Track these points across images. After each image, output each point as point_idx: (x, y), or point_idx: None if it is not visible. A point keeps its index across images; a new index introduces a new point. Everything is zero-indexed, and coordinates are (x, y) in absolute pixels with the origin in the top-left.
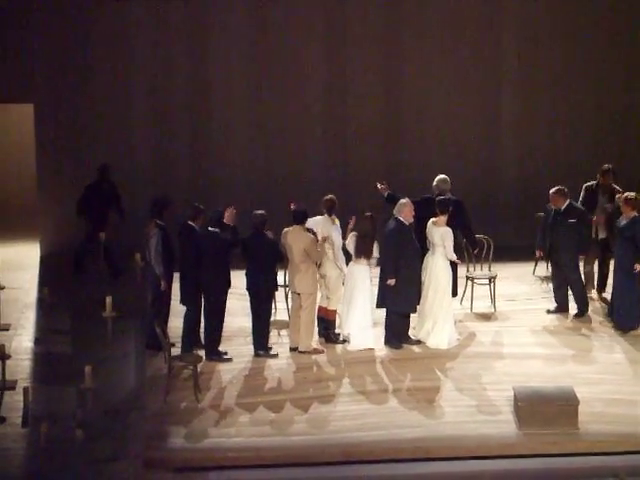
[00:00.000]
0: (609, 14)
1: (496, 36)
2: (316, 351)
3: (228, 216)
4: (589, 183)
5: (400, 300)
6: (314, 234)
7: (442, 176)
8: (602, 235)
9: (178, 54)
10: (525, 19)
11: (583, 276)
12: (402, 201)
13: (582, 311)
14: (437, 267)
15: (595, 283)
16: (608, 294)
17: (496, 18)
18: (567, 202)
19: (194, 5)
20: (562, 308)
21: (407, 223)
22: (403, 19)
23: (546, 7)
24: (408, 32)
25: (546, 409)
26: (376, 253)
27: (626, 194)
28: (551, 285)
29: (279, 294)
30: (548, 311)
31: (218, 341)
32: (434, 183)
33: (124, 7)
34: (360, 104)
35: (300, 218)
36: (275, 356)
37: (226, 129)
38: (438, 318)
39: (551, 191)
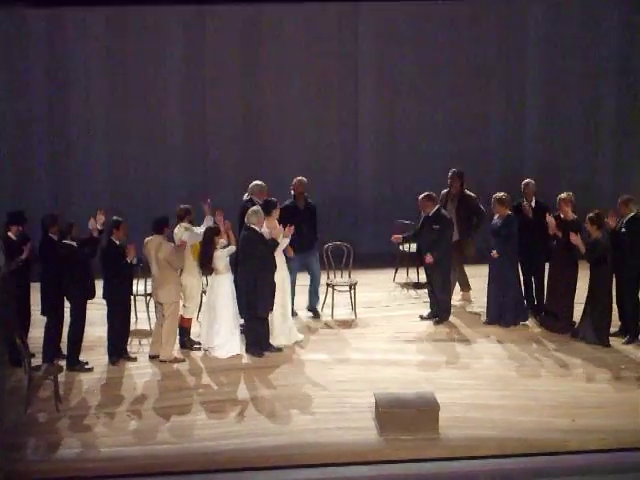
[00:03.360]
0: (466, 20)
1: (354, 41)
2: (177, 360)
3: (92, 224)
4: (444, 191)
5: (254, 304)
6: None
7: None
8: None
9: (36, 58)
10: (383, 27)
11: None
12: (253, 209)
13: (442, 318)
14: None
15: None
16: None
17: (354, 26)
18: (435, 208)
19: (53, 15)
20: (435, 314)
21: (259, 230)
22: (262, 27)
23: (404, 14)
24: (267, 40)
25: (407, 415)
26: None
27: (496, 194)
28: (411, 292)
29: (140, 303)
30: (421, 317)
31: (79, 351)
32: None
33: None
34: (219, 112)
35: (159, 227)
36: (127, 361)
37: (86, 138)
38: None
39: (420, 197)
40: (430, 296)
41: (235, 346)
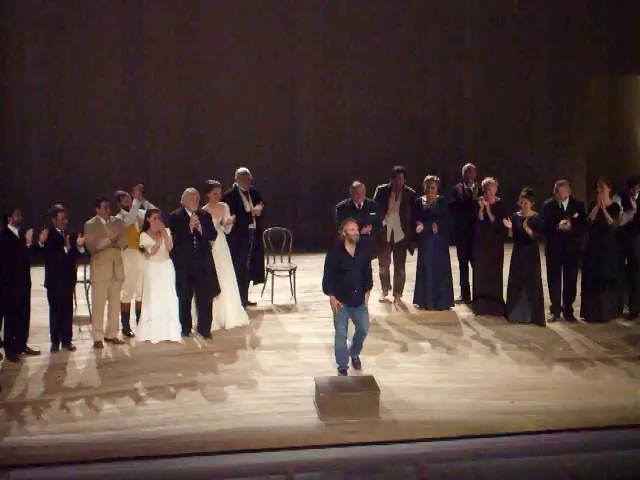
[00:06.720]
0: (403, 20)
1: (292, 33)
2: (97, 345)
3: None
4: (382, 185)
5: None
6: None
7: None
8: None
9: None
10: (320, 19)
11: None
12: (188, 190)
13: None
14: None
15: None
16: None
17: (292, 19)
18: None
19: None
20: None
21: (189, 213)
22: (199, 16)
23: (340, 14)
24: (205, 28)
25: (347, 399)
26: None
27: (427, 177)
28: None
29: (80, 290)
30: None
31: (20, 338)
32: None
33: None
34: (157, 104)
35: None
36: (37, 354)
37: (23, 131)
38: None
39: (355, 185)
40: None
41: (158, 333)
